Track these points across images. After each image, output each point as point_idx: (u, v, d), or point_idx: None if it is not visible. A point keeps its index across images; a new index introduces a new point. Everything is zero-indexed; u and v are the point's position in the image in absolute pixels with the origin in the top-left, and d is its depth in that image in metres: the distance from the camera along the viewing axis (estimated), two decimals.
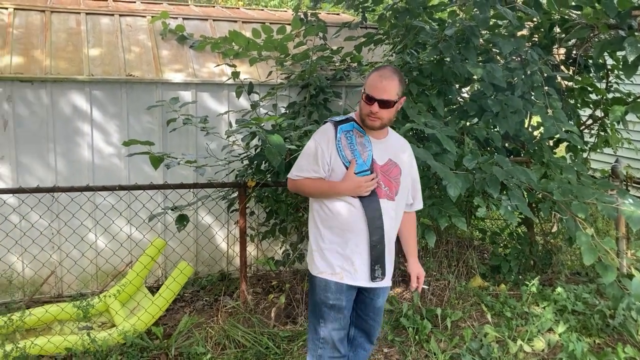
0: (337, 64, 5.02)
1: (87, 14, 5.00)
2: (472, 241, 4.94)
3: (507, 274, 4.73)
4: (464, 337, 3.79)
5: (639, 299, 3.31)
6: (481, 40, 4.32)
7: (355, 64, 4.95)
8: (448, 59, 4.19)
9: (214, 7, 6.19)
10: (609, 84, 5.03)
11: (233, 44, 4.66)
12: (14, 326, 3.81)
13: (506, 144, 4.67)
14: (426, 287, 3.42)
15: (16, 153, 4.41)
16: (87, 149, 4.61)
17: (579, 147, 4.57)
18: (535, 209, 4.65)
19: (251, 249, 4.87)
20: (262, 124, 3.78)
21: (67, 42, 4.72)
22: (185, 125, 4.32)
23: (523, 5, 4.04)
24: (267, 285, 4.89)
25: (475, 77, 4.22)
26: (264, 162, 3.96)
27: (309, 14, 5.09)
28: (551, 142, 4.84)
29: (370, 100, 2.48)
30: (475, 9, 3.93)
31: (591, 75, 4.92)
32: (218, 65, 4.91)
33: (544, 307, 4.12)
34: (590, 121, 5.18)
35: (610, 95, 4.92)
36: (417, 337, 3.83)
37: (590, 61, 4.88)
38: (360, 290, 2.71)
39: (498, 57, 4.44)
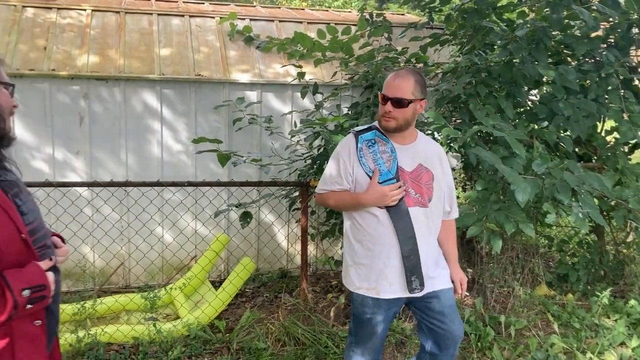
0: (401, 65, 4.98)
1: (158, 14, 5.17)
2: (538, 248, 4.79)
3: (575, 283, 4.55)
4: (529, 347, 3.68)
5: None
6: (552, 42, 4.19)
7: (421, 65, 4.90)
8: (518, 61, 4.08)
9: (279, 8, 6.27)
10: None
11: (299, 45, 4.70)
12: (86, 313, 3.99)
13: (577, 149, 4.50)
14: (467, 293, 3.32)
15: (90, 148, 4.62)
16: (157, 146, 4.77)
17: None
18: (607, 217, 4.46)
19: (311, 248, 4.90)
20: (326, 124, 3.80)
21: (139, 42, 4.90)
22: (250, 124, 4.40)
23: (600, 4, 3.87)
24: (326, 284, 4.91)
25: (546, 79, 4.09)
26: (326, 162, 3.98)
27: (375, 14, 5.07)
28: (626, 148, 4.63)
29: (384, 99, 2.44)
30: (547, 9, 3.81)
31: None
32: (284, 66, 4.97)
33: (615, 320, 3.95)
34: None
35: None
36: (479, 344, 3.75)
37: None
38: (409, 301, 2.61)
39: (569, 59, 4.29)
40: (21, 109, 4.32)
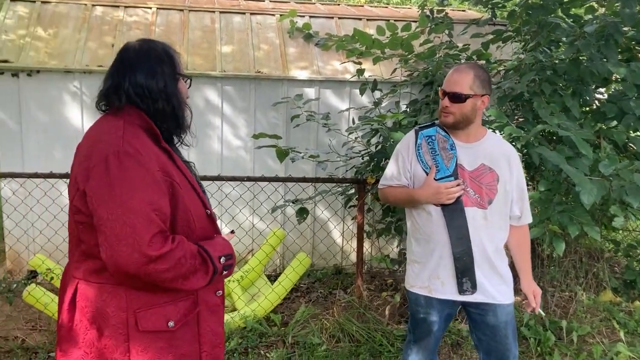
0: (462, 62, 4.89)
1: (220, 12, 5.28)
2: (603, 252, 4.61)
3: None
4: (593, 354, 3.56)
5: None
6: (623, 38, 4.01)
7: (483, 62, 4.79)
8: (585, 58, 3.93)
9: (339, 5, 6.28)
10: None
11: (357, 42, 4.69)
12: None
13: None
14: (543, 313, 3.05)
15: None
16: (217, 141, 4.88)
17: None
18: None
19: (367, 246, 4.89)
20: (385, 121, 3.78)
21: (202, 39, 5.01)
22: (307, 121, 4.43)
23: None
24: (381, 282, 4.90)
25: (615, 77, 3.93)
26: (384, 159, 3.96)
27: (436, 10, 5.00)
28: None
29: (443, 94, 2.39)
30: (618, 4, 3.65)
31: None
32: (343, 62, 4.98)
33: None
34: None
35: None
36: (539, 348, 3.66)
37: None
38: (464, 306, 2.54)
39: None
40: (91, 104, 4.51)
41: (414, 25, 4.94)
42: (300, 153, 3.74)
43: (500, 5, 4.87)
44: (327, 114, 4.39)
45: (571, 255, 4.16)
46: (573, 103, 3.90)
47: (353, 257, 4.64)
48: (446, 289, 2.47)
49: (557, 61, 4.04)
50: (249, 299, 4.31)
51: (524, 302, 2.66)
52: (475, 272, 2.42)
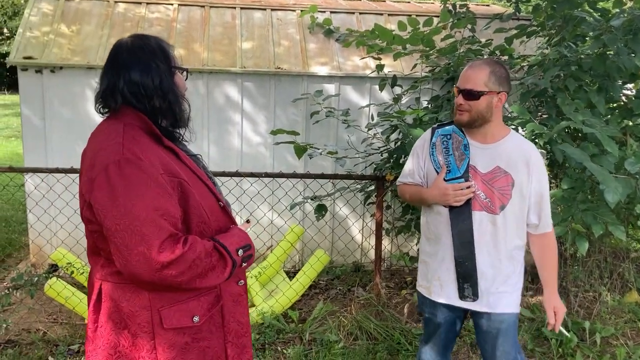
0: (485, 57, 4.81)
1: (241, 8, 5.28)
2: (629, 252, 4.50)
3: None
4: (617, 356, 3.47)
5: None
6: None
7: (506, 57, 4.71)
8: (612, 53, 3.83)
9: (360, 0, 6.23)
10: None
11: (378, 38, 4.65)
12: None
13: None
14: (566, 333, 2.89)
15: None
16: (237, 137, 4.88)
17: None
18: None
19: (386, 243, 4.85)
20: (404, 118, 3.73)
21: (222, 35, 5.02)
22: (327, 117, 4.40)
23: None
24: (400, 280, 4.85)
25: None
26: (403, 156, 3.92)
27: (458, 5, 4.92)
28: None
29: (457, 92, 2.28)
30: None
31: None
32: (363, 58, 4.94)
33: None
34: None
35: None
36: (560, 349, 3.58)
37: None
38: (472, 313, 2.46)
39: None
40: None
41: (435, 20, 4.87)
42: (319, 149, 3.72)
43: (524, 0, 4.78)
44: (346, 110, 4.36)
45: (595, 254, 4.07)
46: (599, 99, 3.80)
47: (372, 254, 4.60)
48: (444, 292, 2.41)
49: (582, 56, 3.95)
50: (267, 295, 4.31)
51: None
52: (478, 279, 2.34)
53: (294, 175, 4.01)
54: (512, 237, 2.33)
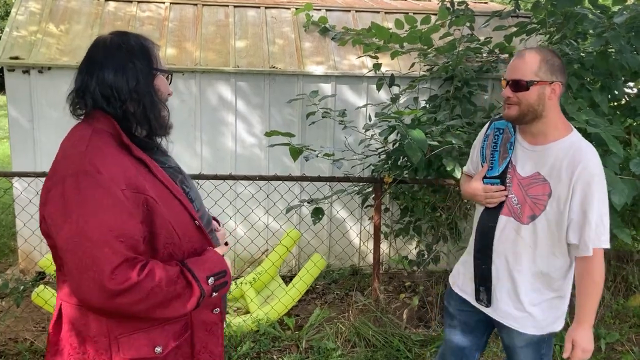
0: (484, 56, 4.71)
1: (235, 6, 5.16)
2: (632, 255, 4.40)
3: None
4: None
5: None
6: None
7: (506, 56, 4.61)
8: (614, 50, 3.73)
9: None
10: None
11: (374, 36, 4.54)
12: None
13: None
14: None
15: (167, 140, 4.66)
16: (231, 139, 4.76)
17: None
18: None
19: (384, 247, 4.75)
20: (403, 118, 3.63)
21: (215, 34, 4.90)
22: (323, 118, 4.29)
23: None
24: (399, 284, 4.75)
25: None
26: (402, 157, 3.81)
27: (456, 2, 4.82)
28: None
29: (505, 84, 2.09)
30: None
31: None
32: (359, 57, 4.83)
33: None
34: None
35: None
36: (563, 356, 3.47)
37: None
38: (495, 323, 2.33)
39: None
40: None
41: (433, 18, 4.76)
42: (315, 151, 3.61)
43: None
44: (343, 111, 4.24)
45: None
46: (602, 98, 3.71)
47: (370, 258, 4.49)
48: (462, 287, 2.38)
49: (584, 54, 3.85)
50: (262, 301, 4.20)
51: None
52: (493, 286, 2.22)
53: (290, 178, 3.90)
54: (543, 253, 2.13)
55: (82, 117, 1.63)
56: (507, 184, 2.17)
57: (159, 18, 4.94)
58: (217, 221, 1.92)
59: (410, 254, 4.73)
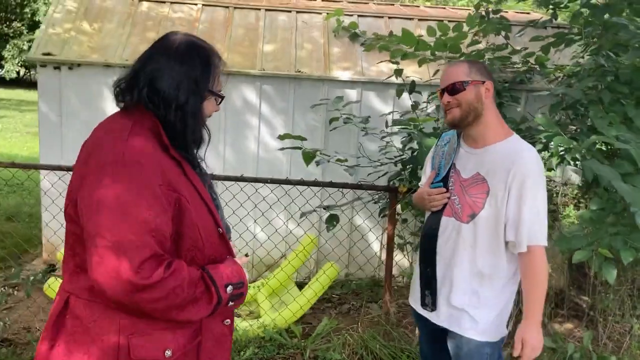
0: (519, 66, 4.53)
1: (266, 10, 5.16)
2: None
3: None
4: None
5: None
6: None
7: (537, 66, 4.42)
8: None
9: (393, 5, 6.03)
10: None
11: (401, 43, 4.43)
12: None
13: None
14: None
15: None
16: (254, 142, 4.75)
17: None
18: None
19: (399, 259, 4.61)
20: (422, 126, 3.51)
21: (244, 37, 4.90)
22: (345, 124, 4.21)
23: None
24: None
25: None
26: (419, 167, 3.69)
27: (491, 11, 4.66)
28: None
29: (441, 94, 2.15)
30: None
31: None
32: (379, 62, 4.71)
33: None
34: None
35: None
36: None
37: None
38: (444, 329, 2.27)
39: None
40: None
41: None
42: (328, 156, 3.53)
43: (562, 5, 4.48)
44: (367, 118, 4.16)
45: (628, 283, 3.73)
46: (636, 113, 3.48)
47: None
48: (414, 297, 2.36)
49: (620, 66, 3.64)
50: (270, 307, 4.13)
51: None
52: (437, 288, 2.20)
53: (300, 182, 3.81)
54: (484, 252, 2.12)
55: (121, 106, 1.61)
56: (450, 187, 2.21)
57: (190, 19, 4.98)
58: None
59: None
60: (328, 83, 4.69)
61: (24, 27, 25.83)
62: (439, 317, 2.23)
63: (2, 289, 3.71)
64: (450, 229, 2.17)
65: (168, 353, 1.52)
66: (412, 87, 3.95)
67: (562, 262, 4.16)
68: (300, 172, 4.73)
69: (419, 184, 2.50)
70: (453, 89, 2.09)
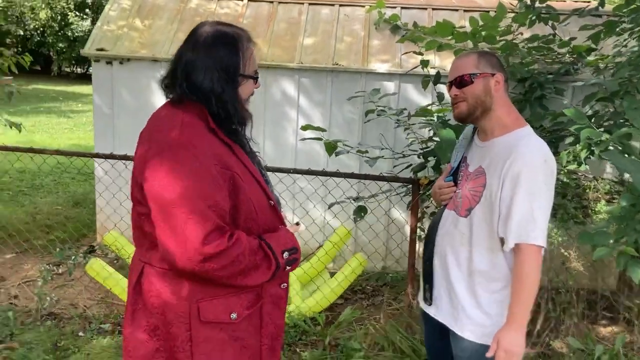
0: (565, 57, 4.34)
1: (309, 4, 5.23)
2: None
3: None
4: None
5: None
6: None
7: (575, 56, 4.22)
8: None
9: None
10: None
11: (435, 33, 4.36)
12: None
13: None
14: None
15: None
16: (292, 134, 4.84)
17: None
18: None
19: None
20: (445, 116, 3.47)
21: (286, 31, 5.00)
22: (378, 116, 4.21)
23: None
24: None
25: None
26: (441, 160, 3.64)
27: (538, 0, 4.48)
28: None
29: (449, 87, 2.09)
30: None
31: None
32: (404, 54, 4.66)
33: None
34: None
35: None
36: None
37: None
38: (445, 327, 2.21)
39: None
40: None
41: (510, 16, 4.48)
42: (350, 147, 3.56)
43: None
44: (401, 110, 4.14)
45: None
46: None
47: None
48: (420, 292, 2.31)
49: None
50: (304, 295, 4.22)
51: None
52: (435, 282, 2.16)
53: (321, 173, 3.86)
54: (481, 249, 2.03)
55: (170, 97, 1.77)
56: (459, 181, 2.16)
57: (235, 15, 5.14)
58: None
59: None
60: (366, 75, 4.71)
61: None
62: (438, 312, 2.17)
63: (48, 266, 4.01)
64: (449, 222, 2.13)
65: (233, 316, 1.68)
66: (437, 79, 3.89)
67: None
68: (337, 165, 4.79)
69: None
70: (460, 82, 2.02)
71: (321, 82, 4.74)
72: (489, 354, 1.94)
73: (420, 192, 3.61)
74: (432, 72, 4.17)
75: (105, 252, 4.94)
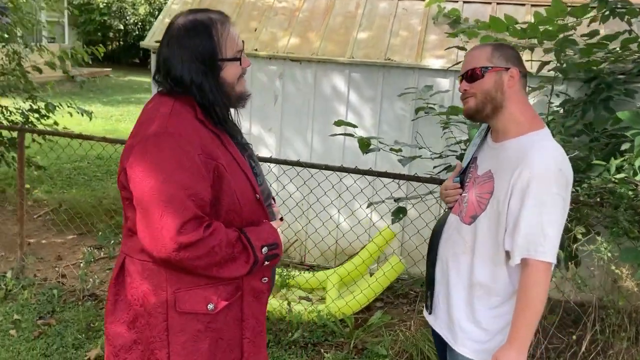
0: (628, 56, 3.96)
1: None
2: None
3: None
4: None
5: None
6: None
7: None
8: None
9: None
10: None
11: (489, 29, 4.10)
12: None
13: None
14: None
15: (281, 126, 4.84)
16: (340, 130, 4.73)
17: None
18: None
19: None
20: None
21: (341, 25, 4.91)
22: (426, 114, 4.04)
23: None
24: None
25: None
26: None
27: None
28: None
29: (460, 81, 1.95)
30: None
31: None
32: (447, 48, 4.38)
33: None
34: None
35: None
36: None
37: None
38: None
39: None
40: None
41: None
42: (385, 145, 3.42)
43: None
44: (450, 107, 3.94)
45: None
46: None
47: None
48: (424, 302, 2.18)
49: None
50: (337, 295, 4.13)
51: None
52: (435, 291, 2.03)
53: (355, 171, 3.69)
54: (484, 260, 1.88)
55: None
56: (466, 183, 2.03)
57: (292, 9, 5.11)
58: (274, 199, 2.01)
59: None
60: (418, 71, 4.52)
61: None
62: (438, 323, 2.07)
63: (89, 249, 4.18)
64: (452, 227, 2.00)
65: (210, 307, 1.68)
66: None
67: None
68: (385, 163, 4.64)
69: None
70: (471, 76, 1.88)
71: (372, 78, 4.61)
72: None
73: None
74: None
75: None
